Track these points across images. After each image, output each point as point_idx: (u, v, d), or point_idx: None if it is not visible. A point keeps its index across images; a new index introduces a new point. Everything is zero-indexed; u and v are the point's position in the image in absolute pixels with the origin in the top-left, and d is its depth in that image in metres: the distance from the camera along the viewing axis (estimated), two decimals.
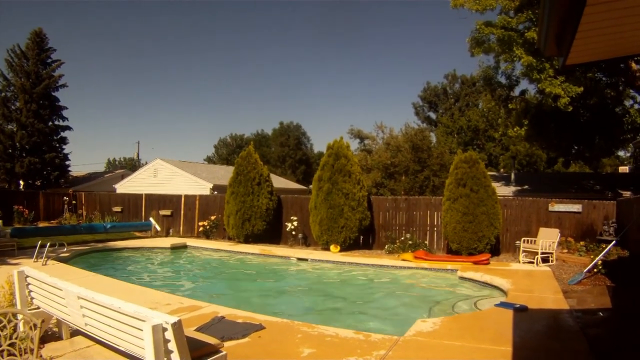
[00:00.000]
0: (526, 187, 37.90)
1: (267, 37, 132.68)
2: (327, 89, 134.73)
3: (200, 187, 37.50)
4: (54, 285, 7.06)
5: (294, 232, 24.88)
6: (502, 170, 56.24)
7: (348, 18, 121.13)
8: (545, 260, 17.71)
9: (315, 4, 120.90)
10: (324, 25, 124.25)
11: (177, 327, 4.83)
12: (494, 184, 21.36)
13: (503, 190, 34.71)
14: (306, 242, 24.55)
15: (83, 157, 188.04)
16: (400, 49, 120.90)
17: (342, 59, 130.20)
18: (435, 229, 22.40)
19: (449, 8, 27.40)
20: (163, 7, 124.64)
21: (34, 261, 16.66)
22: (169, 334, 4.81)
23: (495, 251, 20.21)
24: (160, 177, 41.61)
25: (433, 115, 73.99)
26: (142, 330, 4.95)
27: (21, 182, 49.34)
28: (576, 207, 20.48)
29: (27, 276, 7.92)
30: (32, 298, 7.99)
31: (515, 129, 30.31)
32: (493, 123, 56.61)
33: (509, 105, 33.09)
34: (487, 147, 61.90)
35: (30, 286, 7.92)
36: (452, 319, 10.09)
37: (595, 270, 14.78)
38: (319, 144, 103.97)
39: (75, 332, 7.86)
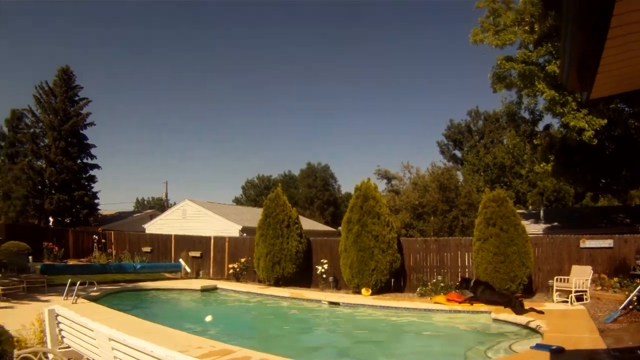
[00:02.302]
0: (555, 223, 37.61)
1: (292, 79, 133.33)
2: (353, 129, 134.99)
3: (229, 228, 37.52)
4: (85, 326, 7.14)
5: (324, 275, 24.80)
6: (530, 207, 55.83)
7: (371, 59, 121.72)
8: (579, 298, 17.50)
9: (338, 46, 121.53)
10: (348, 66, 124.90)
11: None
12: (524, 222, 21.25)
13: (532, 228, 34.47)
14: (337, 285, 24.47)
15: (112, 195, 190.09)
16: (423, 88, 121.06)
17: (367, 99, 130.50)
18: (466, 270, 22.16)
19: (469, 44, 27.65)
20: (189, 49, 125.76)
21: (64, 299, 16.72)
22: None
23: (528, 291, 19.90)
24: (189, 218, 41.81)
25: (458, 154, 73.76)
26: None
27: (50, 219, 49.80)
28: (607, 243, 20.28)
29: (58, 315, 8.00)
30: (62, 337, 8.06)
31: (541, 165, 30.16)
32: (519, 159, 56.28)
33: (534, 140, 32.83)
34: (514, 184, 61.50)
35: (60, 325, 8.00)
36: None
37: (630, 307, 14.65)
38: (346, 185, 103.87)
39: None
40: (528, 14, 25.66)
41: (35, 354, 5.79)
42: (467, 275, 21.17)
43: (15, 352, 5.92)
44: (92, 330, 6.87)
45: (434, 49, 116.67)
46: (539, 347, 10.74)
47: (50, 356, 6.38)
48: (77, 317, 7.55)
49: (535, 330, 13.41)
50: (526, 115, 32.53)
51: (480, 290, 16.99)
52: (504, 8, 27.08)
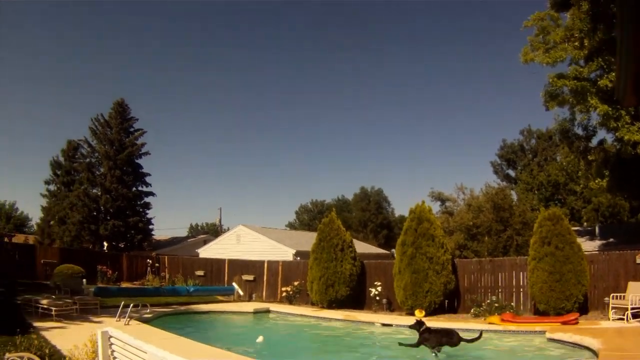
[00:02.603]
0: (611, 239, 37.03)
1: (345, 104, 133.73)
2: (405, 152, 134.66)
3: (282, 253, 37.77)
4: (139, 348, 7.30)
5: (377, 297, 24.76)
6: (585, 224, 55.05)
7: (422, 80, 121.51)
8: (636, 316, 17.14)
9: (389, 68, 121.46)
10: (399, 88, 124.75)
11: None
12: (579, 240, 21.00)
13: (588, 246, 33.99)
14: (390, 307, 24.42)
15: (166, 221, 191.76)
16: (474, 108, 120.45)
17: (419, 122, 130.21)
18: (521, 289, 21.84)
19: (519, 64, 27.51)
20: (241, 74, 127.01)
21: (117, 320, 16.93)
22: None
23: (583, 309, 19.50)
24: (243, 243, 42.23)
25: (512, 173, 73.12)
26: None
27: (105, 244, 50.78)
28: None
29: (111, 336, 8.18)
30: (114, 358, 8.22)
31: (596, 181, 29.83)
32: (573, 176, 55.57)
33: (588, 156, 32.40)
34: (568, 201, 60.68)
35: (113, 346, 8.17)
36: None
37: None
38: (399, 208, 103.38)
39: None
40: (577, 29, 25.44)
41: None
42: (522, 295, 21.07)
43: None
44: (146, 353, 7.04)
45: (485, 69, 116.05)
46: None
47: None
48: (130, 339, 7.73)
49: (590, 349, 13.18)
50: (579, 131, 32.06)
51: (427, 335, 16.81)
52: (552, 25, 26.97)
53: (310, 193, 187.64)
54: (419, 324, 15.17)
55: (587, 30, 25.01)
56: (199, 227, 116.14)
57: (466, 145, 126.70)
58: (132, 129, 53.31)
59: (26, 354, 6.83)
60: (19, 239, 58.78)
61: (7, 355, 7.03)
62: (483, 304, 21.62)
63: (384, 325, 19.90)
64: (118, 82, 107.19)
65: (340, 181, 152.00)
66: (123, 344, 7.84)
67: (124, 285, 34.25)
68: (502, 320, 18.01)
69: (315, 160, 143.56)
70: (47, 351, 8.68)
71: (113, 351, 8.24)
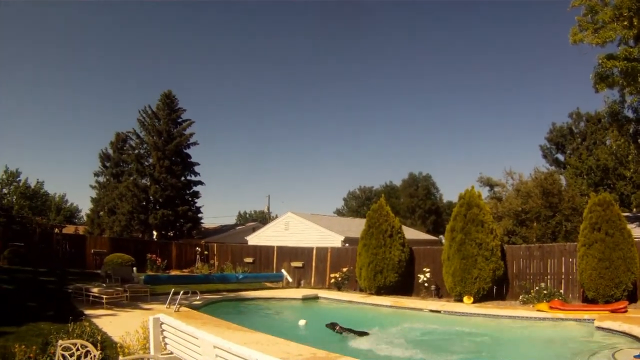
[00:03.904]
0: None
1: (393, 90, 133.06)
2: (454, 138, 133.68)
3: (331, 239, 37.94)
4: (190, 334, 7.44)
5: (426, 284, 24.85)
6: (634, 210, 54.07)
7: (469, 64, 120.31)
8: None
9: (437, 55, 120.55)
10: (446, 73, 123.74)
11: None
12: (629, 226, 20.70)
13: (638, 232, 33.47)
14: (439, 293, 24.48)
15: (215, 209, 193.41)
16: (522, 92, 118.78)
17: (467, 107, 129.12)
18: (570, 276, 21.62)
19: (568, 45, 27.05)
20: (289, 60, 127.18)
21: (167, 307, 17.11)
22: None
23: (632, 298, 19.16)
24: (291, 230, 42.55)
25: (561, 157, 71.96)
26: None
27: (155, 233, 51.72)
28: None
29: (163, 323, 8.34)
30: (165, 344, 8.38)
31: None
32: (622, 160, 54.47)
33: (639, 140, 31.88)
34: (617, 186, 59.56)
35: (164, 332, 8.33)
36: None
37: None
38: (448, 193, 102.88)
39: None
40: (625, 8, 24.84)
41: None
42: (570, 282, 20.93)
43: (120, 358, 6.24)
44: (197, 338, 7.17)
45: (534, 51, 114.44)
46: None
47: None
48: (182, 325, 7.87)
49: (638, 339, 12.97)
50: (629, 114, 31.42)
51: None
52: (600, 4, 26.37)
53: (359, 180, 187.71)
54: (332, 325, 15.75)
55: (637, 9, 24.52)
56: (247, 215, 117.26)
57: (515, 129, 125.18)
58: (180, 120, 54.42)
59: (79, 341, 6.98)
60: (69, 229, 60.27)
61: (60, 342, 7.19)
62: (532, 290, 21.40)
63: (432, 311, 19.91)
64: (165, 74, 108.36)
65: (389, 167, 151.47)
66: (174, 330, 7.99)
67: (173, 273, 34.91)
68: (551, 307, 17.88)
69: (364, 146, 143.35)
70: (99, 338, 8.83)
71: (165, 337, 8.40)
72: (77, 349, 6.93)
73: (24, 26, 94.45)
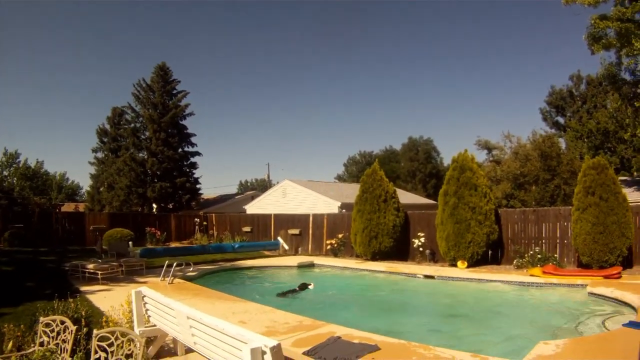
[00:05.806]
0: None
1: (391, 54, 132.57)
2: (454, 101, 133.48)
3: (328, 205, 37.99)
4: (168, 305, 7.48)
5: (421, 249, 24.91)
6: (635, 174, 53.95)
7: (467, 27, 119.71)
8: None
9: (439, 25, 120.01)
10: (445, 38, 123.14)
11: (276, 351, 4.99)
12: (626, 190, 20.62)
13: (636, 196, 33.37)
14: (434, 258, 24.48)
15: (215, 179, 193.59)
16: (522, 54, 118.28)
17: (466, 69, 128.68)
18: (565, 241, 21.38)
19: (562, 6, 26.71)
20: (292, 35, 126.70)
21: (161, 280, 17.31)
22: (268, 357, 4.98)
23: (627, 263, 19.03)
24: (289, 197, 42.66)
25: (561, 120, 71.57)
26: (242, 351, 5.19)
27: (154, 206, 51.93)
28: None
29: (145, 296, 8.39)
30: (149, 316, 8.46)
31: None
32: (622, 123, 54.30)
33: (635, 103, 31.57)
34: (618, 149, 59.30)
35: (147, 305, 8.39)
36: (576, 341, 9.54)
37: None
38: (449, 157, 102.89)
39: (189, 349, 8.11)
40: None
41: (112, 333, 6.11)
42: (565, 247, 20.93)
43: (95, 331, 6.29)
44: (173, 310, 7.22)
45: (531, 13, 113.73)
46: (632, 324, 10.24)
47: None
48: (161, 297, 7.92)
49: (630, 306, 12.81)
50: (626, 76, 30.99)
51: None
52: None
53: (359, 145, 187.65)
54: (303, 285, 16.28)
55: None
56: (249, 184, 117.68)
57: (515, 92, 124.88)
58: (174, 91, 54.55)
59: (58, 317, 7.06)
60: (68, 207, 60.66)
61: (42, 319, 7.31)
62: (526, 255, 21.41)
63: (425, 276, 19.98)
64: (158, 47, 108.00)
65: (389, 131, 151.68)
66: (155, 302, 8.03)
67: (173, 245, 35.18)
68: (544, 272, 17.82)
69: (363, 111, 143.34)
70: (82, 313, 8.90)
71: (147, 310, 8.44)
72: (57, 325, 7.01)
73: (19, 7, 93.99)
